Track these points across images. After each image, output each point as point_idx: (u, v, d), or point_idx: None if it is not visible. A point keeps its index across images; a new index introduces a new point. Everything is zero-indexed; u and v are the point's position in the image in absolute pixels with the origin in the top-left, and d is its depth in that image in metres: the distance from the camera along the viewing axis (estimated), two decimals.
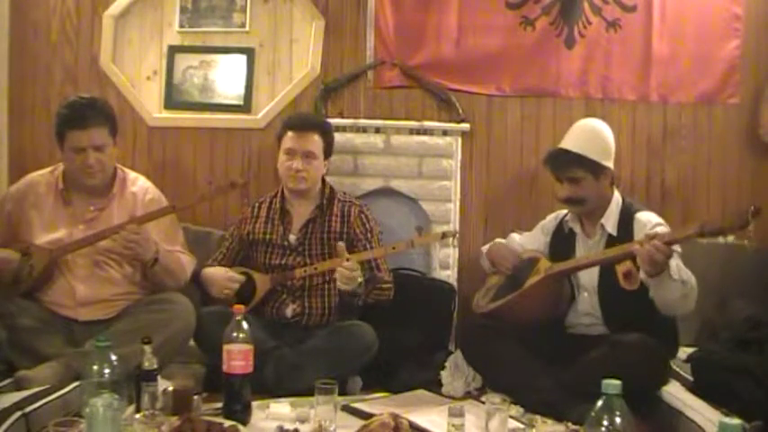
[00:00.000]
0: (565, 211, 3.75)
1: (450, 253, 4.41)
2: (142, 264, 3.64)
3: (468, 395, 3.60)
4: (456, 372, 3.70)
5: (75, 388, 3.06)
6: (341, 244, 3.64)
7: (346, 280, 3.55)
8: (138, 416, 2.78)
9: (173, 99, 4.60)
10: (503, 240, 3.90)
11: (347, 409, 3.24)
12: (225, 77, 4.58)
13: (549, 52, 4.44)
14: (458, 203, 4.46)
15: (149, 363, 2.96)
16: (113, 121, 3.71)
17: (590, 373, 2.75)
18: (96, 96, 3.89)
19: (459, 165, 4.45)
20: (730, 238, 3.64)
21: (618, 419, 2.09)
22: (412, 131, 4.44)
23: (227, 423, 2.82)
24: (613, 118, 4.26)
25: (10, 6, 4.58)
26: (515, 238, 3.90)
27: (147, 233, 3.59)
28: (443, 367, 3.75)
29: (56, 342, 3.40)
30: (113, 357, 2.68)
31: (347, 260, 3.55)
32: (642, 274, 3.17)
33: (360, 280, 3.60)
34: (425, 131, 4.43)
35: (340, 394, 2.99)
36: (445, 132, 4.43)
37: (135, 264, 3.67)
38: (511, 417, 3.02)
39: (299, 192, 3.91)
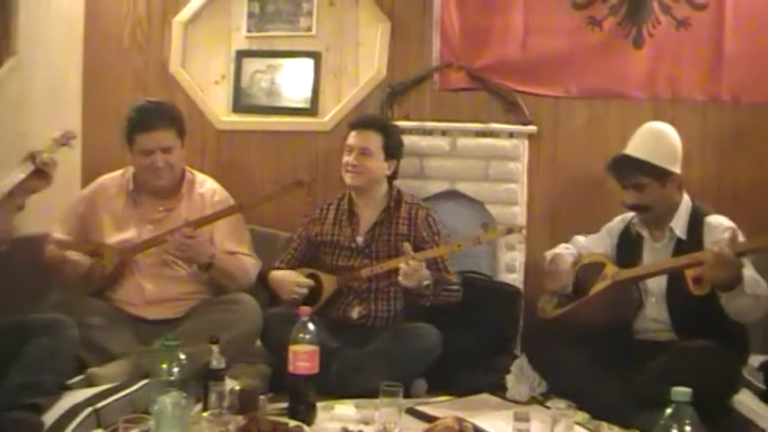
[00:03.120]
0: (632, 214, 3.67)
1: (517, 256, 4.38)
2: (197, 266, 3.68)
3: (533, 400, 3.56)
4: (521, 376, 3.66)
5: (143, 386, 3.11)
6: (407, 244, 3.64)
7: (408, 276, 3.55)
8: (205, 414, 2.82)
9: (240, 103, 4.66)
10: (567, 247, 3.83)
11: (411, 411, 3.23)
12: (291, 81, 4.62)
13: (617, 53, 4.36)
14: (524, 206, 4.42)
15: (217, 362, 2.99)
16: (180, 124, 3.78)
17: (657, 380, 2.70)
18: (163, 100, 3.97)
19: (525, 167, 4.41)
20: None
21: (688, 428, 2.03)
22: (478, 134, 4.41)
23: (292, 423, 2.83)
24: (682, 119, 4.15)
25: (84, 14, 4.69)
26: (580, 240, 3.84)
27: (203, 236, 3.64)
28: (508, 371, 3.71)
29: (125, 340, 3.48)
30: (182, 356, 2.70)
31: (412, 258, 3.55)
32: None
33: (426, 282, 3.61)
34: (491, 134, 4.40)
35: (404, 397, 2.98)
36: (511, 135, 4.39)
37: (190, 266, 3.72)
38: (576, 423, 2.99)
39: (354, 188, 3.95)
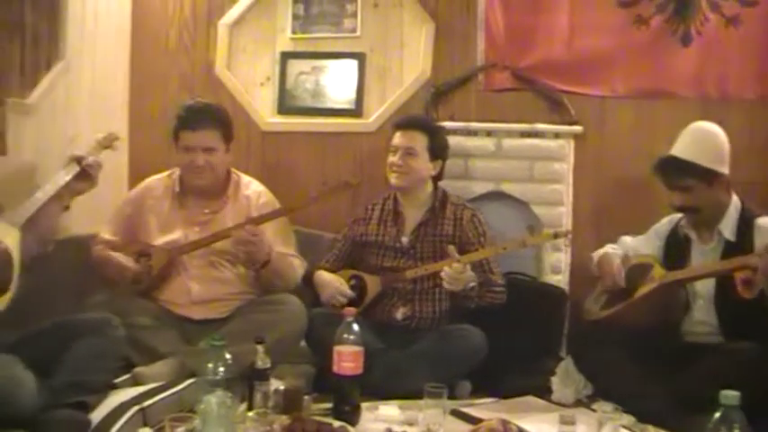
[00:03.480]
0: (680, 215, 3.62)
1: (562, 257, 4.35)
2: (254, 265, 3.70)
3: (578, 403, 3.52)
4: (566, 378, 3.62)
5: (189, 385, 3.15)
6: (452, 247, 3.63)
7: (452, 280, 3.54)
8: (250, 414, 2.83)
9: (285, 104, 4.69)
10: (614, 248, 3.79)
11: (456, 413, 3.22)
12: (336, 82, 4.64)
13: (664, 51, 4.30)
14: (569, 207, 4.39)
15: (262, 362, 2.99)
16: (226, 127, 3.80)
17: (704, 383, 2.66)
18: (215, 103, 4.00)
19: (571, 168, 4.38)
20: None
21: None
22: (523, 134, 4.39)
23: (337, 424, 2.84)
24: (731, 118, 4.05)
25: (131, 17, 4.74)
26: (627, 241, 3.79)
27: (263, 235, 3.66)
28: (553, 373, 3.68)
29: (171, 340, 3.50)
30: (227, 356, 2.71)
31: (457, 261, 3.54)
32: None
33: (472, 284, 3.61)
34: (537, 134, 4.37)
35: (449, 398, 2.97)
36: (557, 135, 4.36)
37: (248, 264, 3.75)
38: (623, 426, 2.97)
39: (400, 188, 3.94)
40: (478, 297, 3.69)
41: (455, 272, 3.53)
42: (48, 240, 3.04)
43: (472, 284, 3.62)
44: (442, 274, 3.57)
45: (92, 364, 2.88)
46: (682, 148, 3.47)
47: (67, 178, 3.03)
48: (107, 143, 3.38)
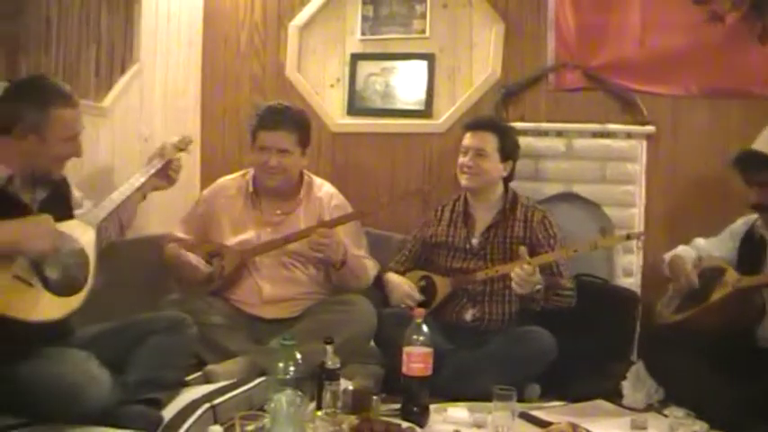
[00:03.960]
0: (756, 216, 3.54)
1: (634, 260, 4.28)
2: (329, 266, 3.74)
3: (649, 408, 3.45)
4: (638, 383, 3.56)
5: (259, 383, 3.19)
6: (522, 248, 3.60)
7: (522, 282, 3.52)
8: (319, 413, 2.85)
9: (355, 105, 4.71)
10: (686, 249, 3.72)
11: (524, 416, 3.19)
12: (406, 83, 4.64)
13: (740, 49, 4.18)
14: (642, 208, 4.31)
15: (332, 362, 3.00)
16: (304, 131, 3.84)
17: None
18: (295, 106, 4.02)
19: (643, 168, 4.31)
20: None
21: None
22: (594, 134, 4.33)
23: (405, 424, 2.86)
24: None
25: (202, 20, 4.82)
26: (700, 242, 3.72)
27: (338, 237, 3.68)
28: (624, 377, 3.62)
29: (242, 339, 3.56)
30: (298, 355, 2.73)
31: (527, 263, 3.51)
32: None
33: (538, 287, 3.57)
34: (608, 134, 4.31)
35: (518, 401, 2.95)
36: (629, 135, 4.30)
37: (319, 265, 3.78)
38: None
39: (470, 190, 3.94)
40: (544, 300, 3.67)
41: (525, 273, 3.50)
42: (126, 226, 3.20)
43: (539, 287, 3.59)
44: (513, 275, 3.55)
45: (165, 362, 2.94)
46: (763, 142, 3.39)
47: (153, 171, 3.15)
48: (182, 146, 3.47)
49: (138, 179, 3.21)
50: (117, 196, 3.10)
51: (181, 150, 3.45)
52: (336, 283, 3.81)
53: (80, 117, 2.91)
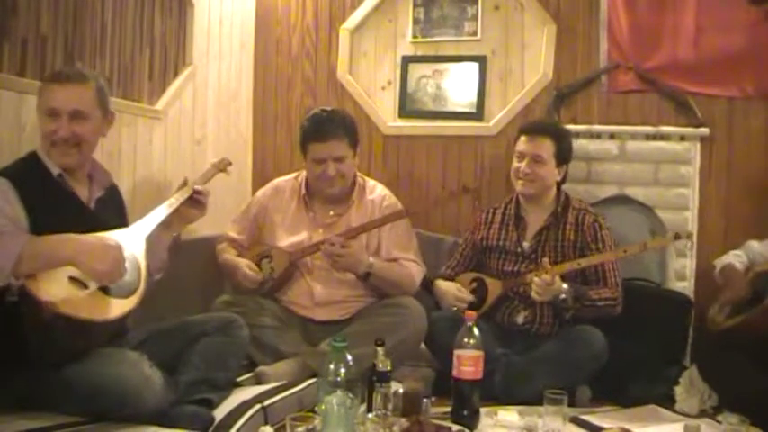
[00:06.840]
0: None
1: (687, 263, 4.23)
2: (355, 275, 3.72)
3: (703, 413, 3.43)
4: (691, 388, 3.53)
5: (310, 385, 3.21)
6: (545, 259, 3.58)
7: (541, 291, 3.51)
8: (369, 415, 2.85)
9: (406, 108, 4.71)
10: (737, 254, 3.66)
11: (576, 420, 3.19)
12: (457, 86, 4.64)
13: None
14: (696, 212, 4.27)
15: (383, 364, 3.00)
16: (353, 134, 3.83)
17: None
18: (338, 109, 4.02)
19: (697, 171, 4.25)
20: None
21: None
22: (648, 137, 4.29)
23: (455, 427, 2.85)
24: None
25: (255, 23, 4.86)
26: (754, 245, 3.68)
27: (358, 246, 3.68)
28: (677, 382, 3.60)
29: (293, 340, 3.58)
30: (349, 357, 2.74)
31: (545, 272, 3.50)
32: None
33: (563, 296, 3.55)
34: (662, 137, 4.27)
35: (569, 405, 2.95)
36: (683, 137, 4.25)
37: (346, 273, 3.76)
38: None
39: (526, 196, 3.90)
40: (574, 309, 3.63)
41: (543, 280, 3.49)
42: (159, 269, 3.10)
43: (563, 297, 3.56)
44: (533, 283, 3.54)
45: (217, 363, 2.96)
46: None
47: (177, 204, 3.06)
48: (222, 167, 3.47)
49: (173, 203, 3.08)
50: (160, 212, 3.03)
51: (221, 171, 3.46)
52: (373, 289, 3.79)
53: (70, 96, 2.80)
